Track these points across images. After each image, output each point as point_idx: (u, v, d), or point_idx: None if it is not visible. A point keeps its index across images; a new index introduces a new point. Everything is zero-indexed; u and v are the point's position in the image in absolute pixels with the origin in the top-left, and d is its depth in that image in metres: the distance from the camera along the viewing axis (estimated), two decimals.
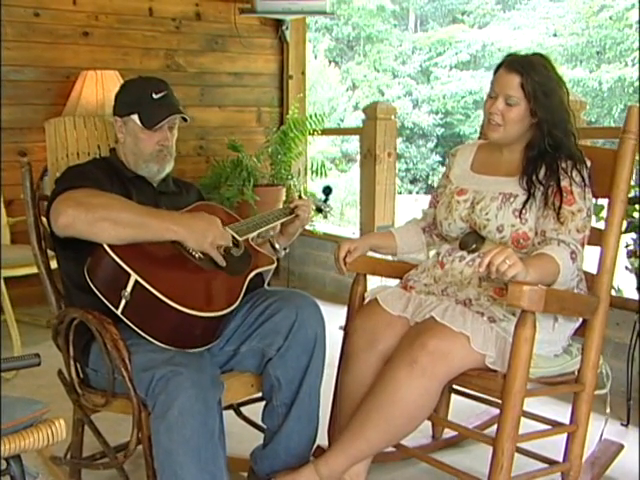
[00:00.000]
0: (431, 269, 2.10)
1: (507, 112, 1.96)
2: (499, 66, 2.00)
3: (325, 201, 2.43)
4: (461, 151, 2.22)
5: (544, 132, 1.96)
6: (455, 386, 2.17)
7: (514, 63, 1.96)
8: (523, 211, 1.94)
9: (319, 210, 2.42)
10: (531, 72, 1.92)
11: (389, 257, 2.35)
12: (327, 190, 2.43)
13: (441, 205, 2.15)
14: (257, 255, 2.06)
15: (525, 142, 2.02)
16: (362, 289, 2.22)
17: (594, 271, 2.00)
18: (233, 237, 1.95)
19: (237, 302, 1.84)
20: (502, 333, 1.84)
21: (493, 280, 1.82)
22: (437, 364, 1.81)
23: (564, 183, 1.92)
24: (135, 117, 1.98)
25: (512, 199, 1.97)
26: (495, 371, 1.83)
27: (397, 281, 2.22)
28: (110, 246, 1.73)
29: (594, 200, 2.01)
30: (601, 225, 2.04)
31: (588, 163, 1.98)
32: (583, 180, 1.93)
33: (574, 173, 1.93)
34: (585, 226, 1.91)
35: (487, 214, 1.98)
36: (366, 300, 2.16)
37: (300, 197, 2.36)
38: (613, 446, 2.28)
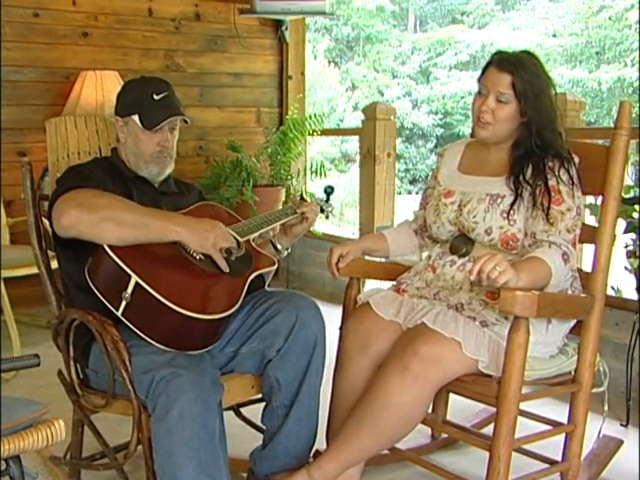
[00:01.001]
0: (423, 272, 2.10)
1: (498, 110, 1.94)
2: (488, 64, 1.98)
3: (327, 201, 2.43)
4: (449, 151, 2.20)
5: (532, 132, 1.94)
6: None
7: (505, 62, 1.94)
8: (511, 212, 1.92)
9: (321, 210, 2.42)
10: (521, 71, 1.91)
11: (382, 259, 2.34)
12: (329, 190, 2.43)
13: (430, 208, 2.13)
14: (258, 256, 2.05)
15: (512, 141, 2.01)
16: (356, 292, 2.21)
17: (589, 269, 1.99)
18: (234, 238, 1.94)
19: (237, 304, 1.83)
20: (495, 337, 1.83)
21: (484, 286, 1.82)
22: (429, 370, 1.80)
23: (552, 182, 1.90)
24: (135, 118, 1.97)
25: (499, 200, 1.95)
26: (489, 375, 1.82)
27: (390, 283, 2.21)
28: (111, 247, 1.73)
29: (593, 200, 2.00)
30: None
31: (576, 159, 1.96)
32: (571, 178, 1.91)
33: (561, 172, 1.91)
34: (575, 225, 1.90)
35: (475, 217, 1.97)
36: (359, 303, 2.16)
37: (302, 198, 2.35)
38: (612, 442, 2.28)
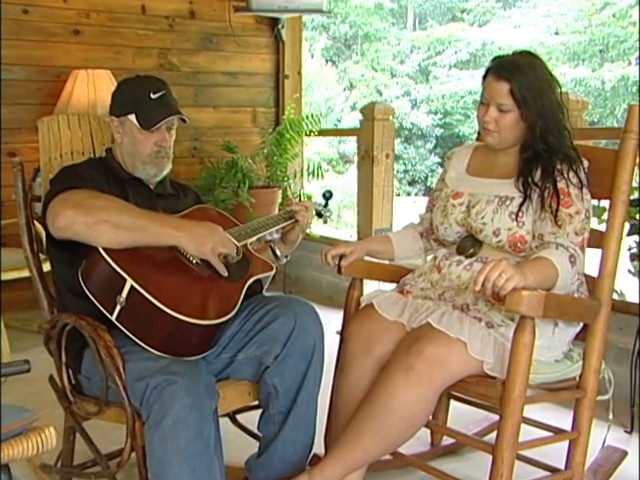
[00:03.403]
0: (428, 273, 2.08)
1: (500, 119, 1.95)
2: (487, 72, 1.98)
3: (325, 206, 2.42)
4: (457, 154, 2.20)
5: (537, 136, 1.94)
6: (454, 393, 2.13)
7: (502, 70, 1.93)
8: (519, 214, 1.91)
9: (319, 215, 2.41)
10: (519, 77, 1.90)
11: (386, 261, 2.32)
12: (328, 194, 2.43)
13: (437, 209, 2.13)
14: (256, 261, 2.03)
15: (520, 144, 2.00)
16: (358, 293, 2.20)
17: (596, 274, 1.97)
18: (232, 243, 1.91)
19: (234, 310, 1.81)
20: (500, 339, 1.81)
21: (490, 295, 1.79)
22: (433, 371, 1.78)
23: (561, 185, 1.89)
24: (132, 117, 1.94)
25: (508, 202, 1.94)
26: (494, 377, 1.80)
27: (393, 285, 2.19)
28: (106, 250, 1.70)
29: (595, 202, 1.98)
30: (603, 227, 2.01)
31: (585, 163, 1.96)
32: (580, 181, 1.91)
33: (571, 174, 1.91)
34: (584, 228, 1.89)
35: (483, 218, 1.96)
36: (362, 305, 2.14)
37: (300, 200, 2.33)
38: (616, 453, 2.25)
